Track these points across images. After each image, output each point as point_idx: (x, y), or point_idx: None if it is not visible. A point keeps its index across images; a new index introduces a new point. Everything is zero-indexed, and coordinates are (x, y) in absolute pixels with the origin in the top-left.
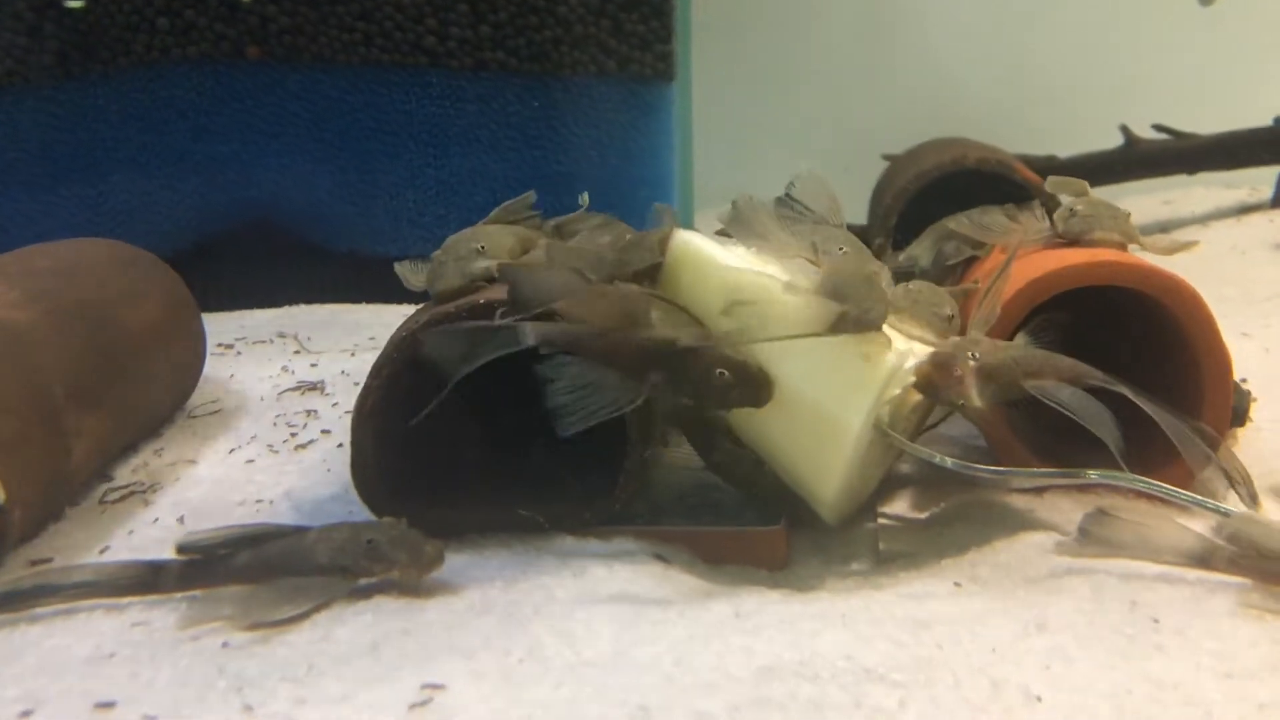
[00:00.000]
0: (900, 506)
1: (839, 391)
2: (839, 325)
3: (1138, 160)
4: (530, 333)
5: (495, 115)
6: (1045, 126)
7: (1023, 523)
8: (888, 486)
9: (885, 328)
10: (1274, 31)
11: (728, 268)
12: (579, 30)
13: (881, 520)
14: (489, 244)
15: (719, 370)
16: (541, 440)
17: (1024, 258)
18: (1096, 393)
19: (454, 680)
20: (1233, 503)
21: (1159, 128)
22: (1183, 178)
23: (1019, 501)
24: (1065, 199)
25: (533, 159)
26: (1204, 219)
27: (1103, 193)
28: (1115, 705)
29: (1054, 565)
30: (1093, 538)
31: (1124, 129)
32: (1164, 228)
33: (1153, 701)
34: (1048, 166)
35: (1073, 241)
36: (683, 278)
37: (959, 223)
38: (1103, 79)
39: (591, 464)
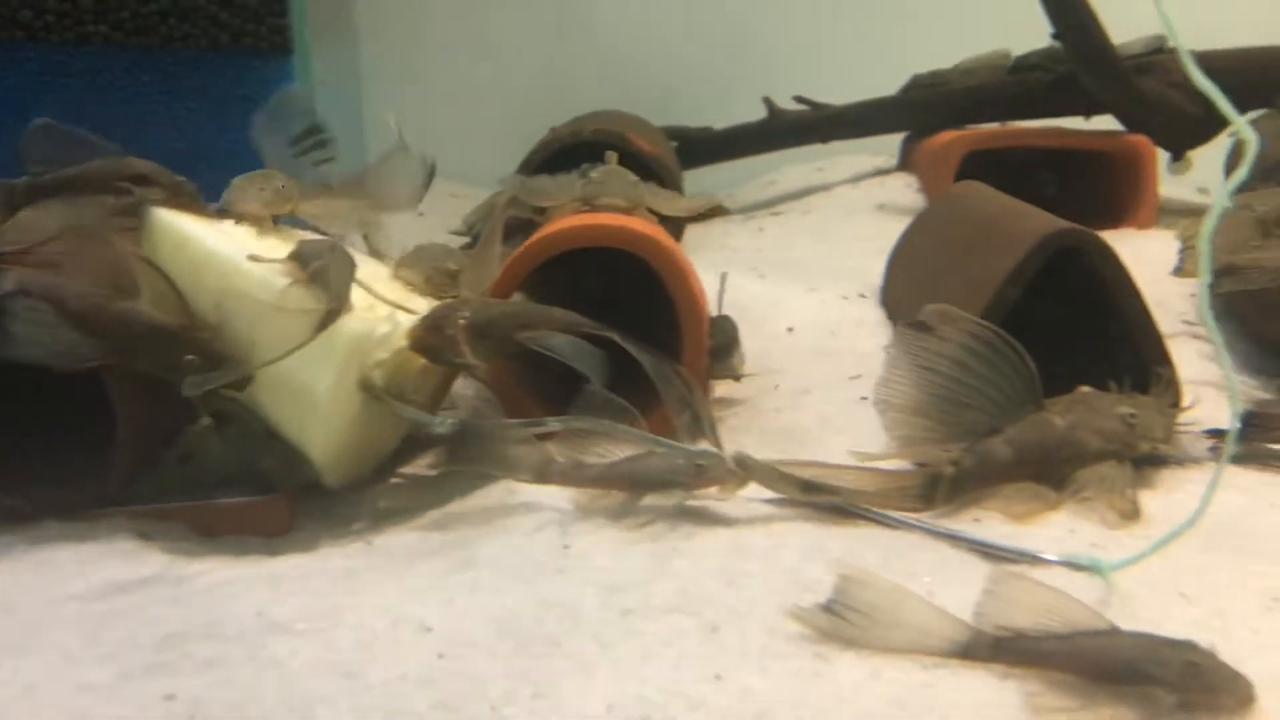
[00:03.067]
0: (422, 464)
1: (305, 359)
2: (285, 296)
3: (781, 130)
4: (8, 279)
5: (102, 91)
6: (708, 99)
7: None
8: (418, 445)
9: (373, 295)
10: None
11: (199, 243)
12: (187, 2)
13: (396, 479)
14: None
15: (189, 356)
16: (32, 421)
17: (554, 221)
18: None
19: None
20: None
21: (799, 99)
22: (839, 146)
23: (518, 451)
24: (599, 167)
25: (146, 135)
26: (851, 181)
27: (756, 161)
28: (498, 627)
29: (512, 508)
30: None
31: (767, 101)
32: (805, 193)
33: (535, 621)
34: (705, 138)
35: (589, 206)
36: (161, 252)
37: (511, 189)
38: (758, 53)
39: (95, 445)
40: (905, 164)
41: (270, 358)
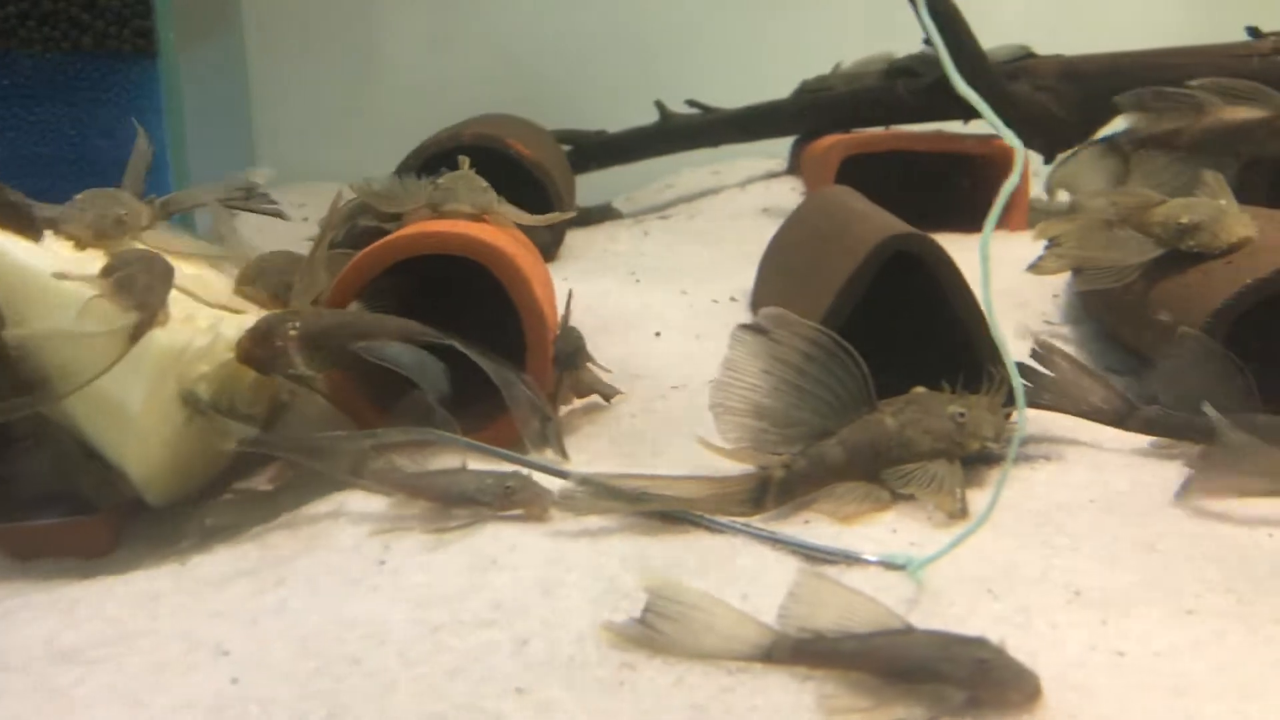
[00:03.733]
0: (262, 480)
1: (117, 374)
2: (86, 312)
3: (672, 134)
4: None
5: None
6: (607, 103)
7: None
8: (258, 459)
9: (199, 302)
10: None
11: (8, 258)
12: (47, 5)
13: (229, 495)
14: None
15: None
16: None
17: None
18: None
19: None
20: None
21: (691, 103)
22: (737, 149)
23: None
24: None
25: (6, 140)
26: (739, 185)
27: (656, 164)
28: (300, 648)
29: (337, 523)
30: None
31: (658, 104)
32: (698, 196)
33: (339, 640)
34: (599, 141)
35: (436, 212)
36: None
37: (359, 194)
38: (657, 57)
39: None
40: (794, 168)
41: (85, 377)
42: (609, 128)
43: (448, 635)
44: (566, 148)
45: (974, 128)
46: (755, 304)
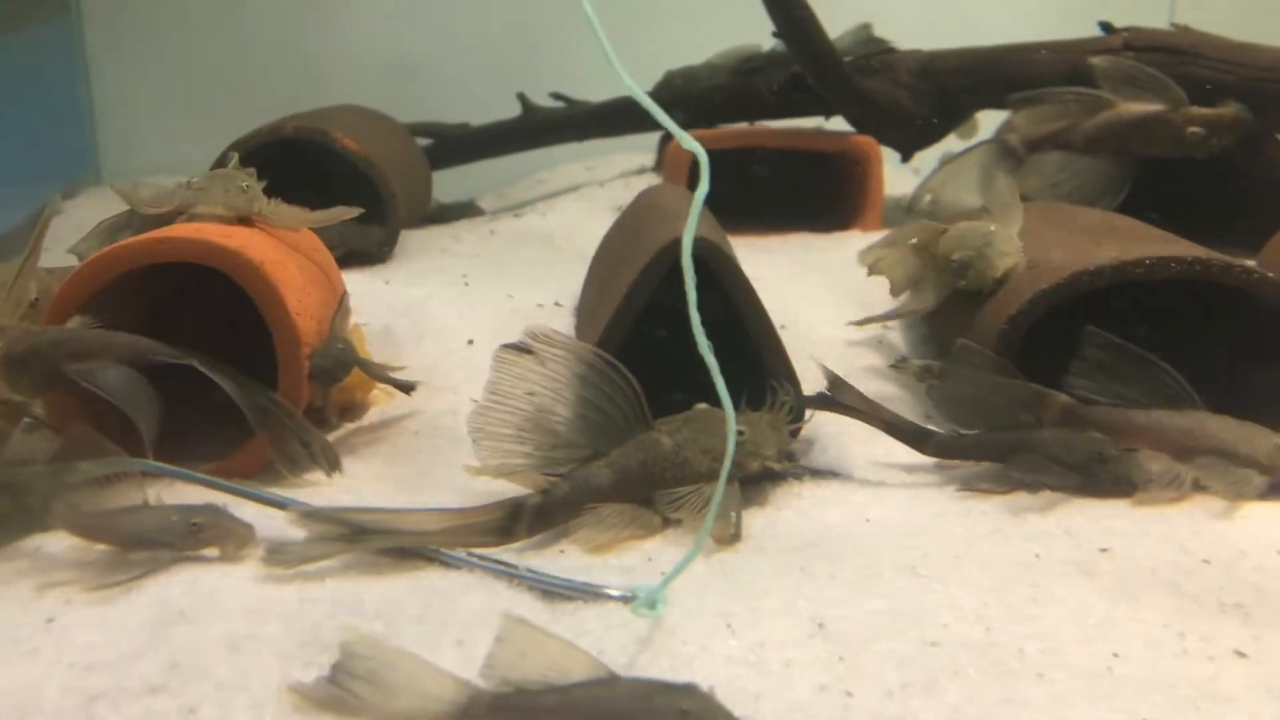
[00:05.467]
0: None
1: None
2: None
3: (535, 128)
4: None
5: None
6: (471, 96)
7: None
8: None
9: None
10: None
11: None
12: None
13: None
14: None
15: None
16: None
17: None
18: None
19: None
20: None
21: (555, 95)
22: (614, 143)
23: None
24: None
25: None
26: (599, 183)
27: (533, 157)
28: None
29: (26, 574)
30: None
31: (521, 97)
32: (565, 192)
33: None
34: (462, 135)
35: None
36: None
37: (126, 196)
38: (521, 51)
39: None
40: (660, 164)
41: None
42: (486, 119)
43: (104, 707)
44: (426, 142)
45: (835, 124)
46: (578, 310)
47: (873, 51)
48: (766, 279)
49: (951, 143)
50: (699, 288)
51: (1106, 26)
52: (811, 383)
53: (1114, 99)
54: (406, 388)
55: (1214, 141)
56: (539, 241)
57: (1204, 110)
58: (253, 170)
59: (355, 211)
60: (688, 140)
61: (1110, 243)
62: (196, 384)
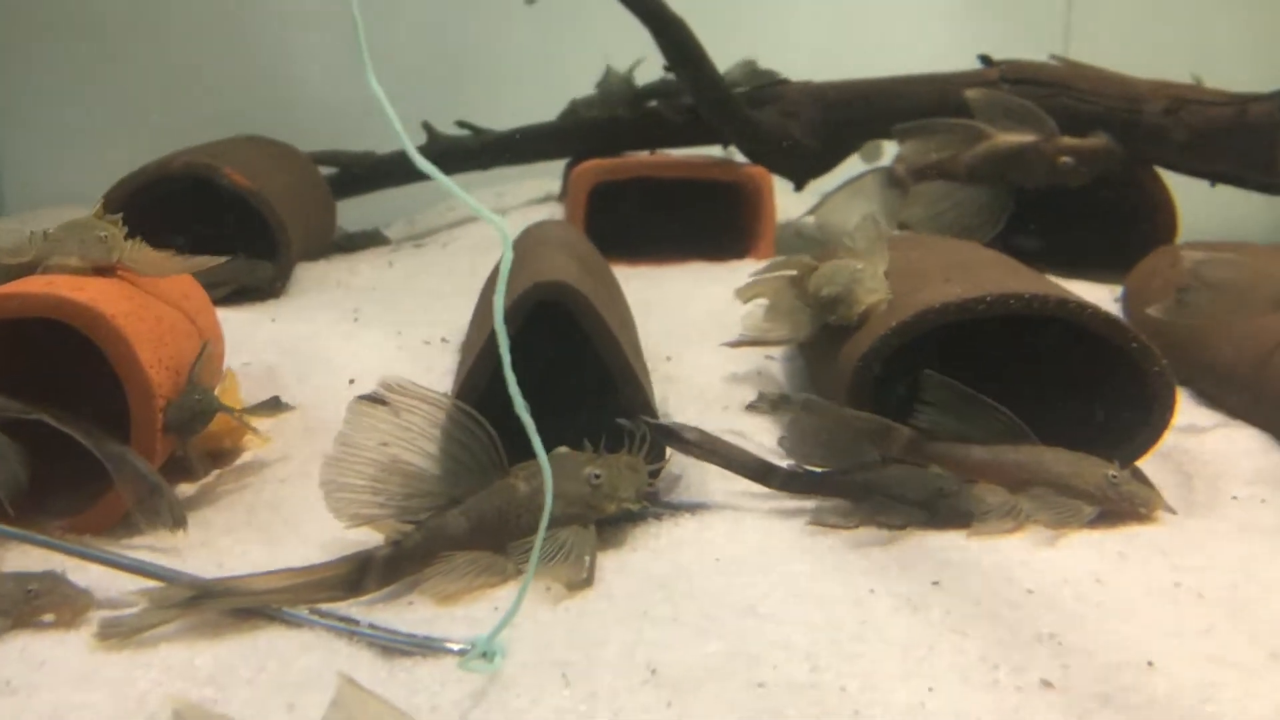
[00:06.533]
0: None
1: None
2: None
3: (439, 155)
4: None
5: None
6: (378, 124)
7: None
8: None
9: None
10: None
11: None
12: None
13: None
14: None
15: None
16: None
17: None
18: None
19: None
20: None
21: (461, 124)
22: (527, 169)
23: None
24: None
25: None
26: (501, 211)
27: (429, 185)
28: None
29: None
30: None
31: (426, 125)
32: (467, 221)
33: None
34: (366, 163)
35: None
36: None
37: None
38: (438, 78)
39: None
40: (564, 193)
41: None
42: (392, 148)
43: None
44: (330, 171)
45: (733, 153)
46: (462, 348)
47: (764, 83)
48: (658, 308)
49: (855, 167)
50: (569, 331)
51: (985, 59)
52: (690, 418)
53: (991, 130)
54: (279, 410)
55: (1084, 170)
56: (440, 273)
57: (1074, 141)
58: (116, 218)
59: (219, 260)
60: (488, 215)
61: (961, 279)
62: (47, 438)
